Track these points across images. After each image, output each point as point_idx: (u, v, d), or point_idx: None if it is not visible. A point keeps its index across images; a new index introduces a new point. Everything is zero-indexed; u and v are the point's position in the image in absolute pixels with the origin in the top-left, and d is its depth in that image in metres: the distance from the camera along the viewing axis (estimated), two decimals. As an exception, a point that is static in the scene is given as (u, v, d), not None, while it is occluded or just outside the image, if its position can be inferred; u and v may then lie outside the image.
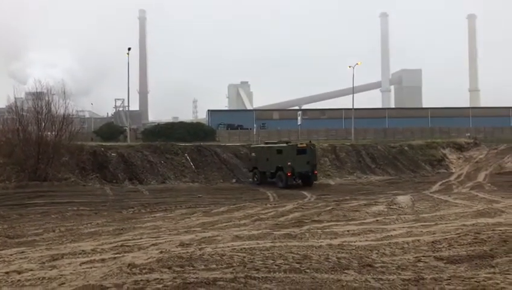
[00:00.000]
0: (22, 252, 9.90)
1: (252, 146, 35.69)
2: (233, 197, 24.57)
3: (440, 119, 75.93)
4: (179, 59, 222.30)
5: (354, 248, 10.36)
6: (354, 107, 59.35)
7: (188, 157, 34.93)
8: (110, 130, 57.84)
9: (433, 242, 10.70)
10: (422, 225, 13.05)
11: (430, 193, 25.21)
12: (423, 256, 9.38)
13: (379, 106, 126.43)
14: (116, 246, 10.40)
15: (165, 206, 19.72)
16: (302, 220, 14.42)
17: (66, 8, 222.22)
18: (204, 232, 12.43)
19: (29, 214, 17.41)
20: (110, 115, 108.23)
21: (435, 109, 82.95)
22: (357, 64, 57.18)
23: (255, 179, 31.95)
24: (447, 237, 11.08)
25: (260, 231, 12.26)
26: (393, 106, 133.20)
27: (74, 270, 8.17)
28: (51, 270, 8.22)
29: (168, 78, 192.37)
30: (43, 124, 30.29)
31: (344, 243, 10.81)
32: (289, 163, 29.28)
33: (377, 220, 14.05)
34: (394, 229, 12.46)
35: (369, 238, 11.57)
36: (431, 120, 78.36)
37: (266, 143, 34.11)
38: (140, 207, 19.70)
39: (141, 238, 11.42)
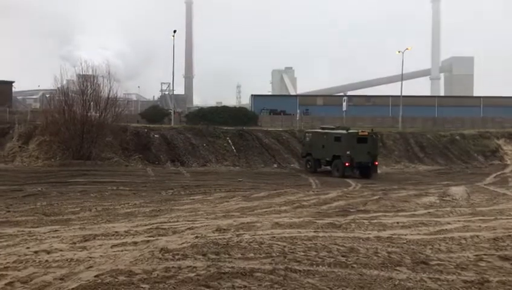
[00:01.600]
0: (56, 230, 9.62)
1: (306, 131, 33.40)
2: (274, 182, 23.91)
3: (493, 108, 71.91)
4: (224, 44, 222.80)
5: (405, 241, 9.46)
6: (403, 94, 57.10)
7: (229, 141, 34.54)
8: (155, 112, 58.31)
9: (494, 239, 9.65)
10: (480, 219, 11.93)
11: (485, 185, 23.67)
12: (485, 255, 8.39)
13: (428, 94, 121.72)
14: (150, 228, 9.95)
15: (205, 189, 19.29)
16: (347, 209, 13.56)
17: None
18: (242, 217, 11.82)
19: (69, 192, 17.40)
20: (156, 98, 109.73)
21: (488, 98, 78.60)
22: (406, 49, 55.10)
23: (308, 166, 29.98)
24: (510, 233, 9.99)
25: (302, 219, 11.52)
26: (440, 95, 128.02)
27: (104, 253, 7.74)
28: (80, 251, 7.83)
29: (213, 63, 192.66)
30: (88, 104, 30.63)
31: (394, 236, 9.92)
32: (348, 152, 27.01)
33: (429, 213, 13.01)
34: (449, 223, 11.43)
35: (422, 231, 10.62)
36: (483, 109, 74.50)
37: (323, 128, 31.39)
38: (179, 189, 19.36)
39: (177, 221, 10.94)
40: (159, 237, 9.03)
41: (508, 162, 35.41)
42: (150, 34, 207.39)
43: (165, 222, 10.84)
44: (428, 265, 7.58)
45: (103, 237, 9.03)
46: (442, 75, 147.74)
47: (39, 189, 18.08)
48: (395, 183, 23.68)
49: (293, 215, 12.46)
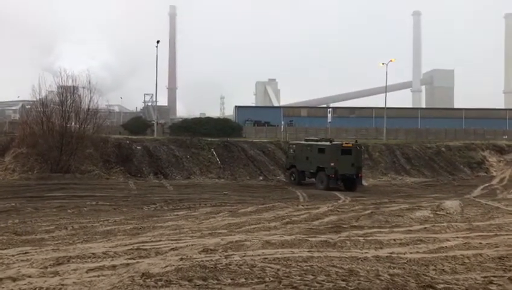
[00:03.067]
0: (26, 252, 8.74)
1: (290, 142, 32.92)
2: (260, 195, 23.20)
3: (474, 120, 72.64)
4: (208, 56, 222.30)
5: (405, 261, 8.84)
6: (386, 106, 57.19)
7: (214, 153, 33.78)
8: (137, 124, 57.26)
9: (499, 258, 9.09)
10: (479, 236, 11.40)
11: (474, 197, 23.33)
12: (493, 276, 7.80)
13: (409, 106, 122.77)
14: (131, 249, 9.15)
15: (189, 203, 18.45)
16: (340, 225, 12.92)
17: (94, 3, 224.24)
18: (230, 235, 11.08)
19: (45, 208, 16.40)
20: (138, 109, 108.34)
21: (470, 110, 79.46)
22: (390, 61, 55.17)
23: (292, 179, 29.49)
24: (514, 252, 9.46)
25: (293, 237, 10.83)
26: (424, 107, 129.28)
27: (78, 279, 6.93)
28: (52, 277, 7.01)
29: (196, 75, 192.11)
30: (68, 115, 29.63)
31: (393, 255, 9.30)
32: (332, 164, 26.65)
33: (425, 228, 12.44)
34: (448, 240, 10.86)
35: (421, 249, 10.02)
36: (465, 121, 75.20)
37: (307, 140, 31.09)
38: (162, 203, 18.49)
39: (160, 241, 10.14)
40: (140, 260, 8.25)
41: (494, 173, 35.32)
42: (132, 46, 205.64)
43: (146, 242, 10.04)
44: (435, 289, 6.97)
45: (78, 260, 8.20)
46: (423, 88, 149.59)
47: (13, 204, 17.02)
48: (384, 196, 23.17)
49: (283, 232, 11.76)
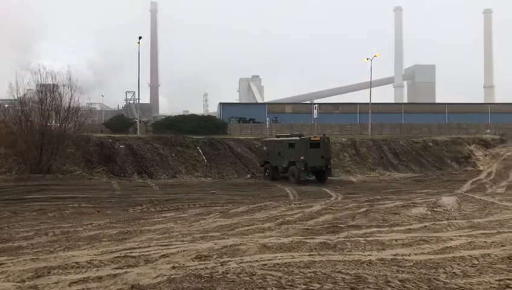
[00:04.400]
0: (2, 264, 7.97)
1: (263, 140, 33.57)
2: (249, 194, 22.57)
3: (457, 115, 73.34)
4: (189, 53, 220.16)
5: (412, 264, 8.33)
6: (368, 102, 57.07)
7: (200, 151, 33.03)
8: (120, 122, 56.20)
9: (509, 258, 8.64)
10: (482, 234, 10.97)
11: (464, 192, 23.06)
12: (508, 279, 7.32)
13: (391, 101, 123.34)
14: (117, 256, 8.45)
15: (177, 204, 17.69)
16: (337, 224, 12.38)
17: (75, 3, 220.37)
18: (224, 238, 10.45)
19: (25, 212, 15.50)
20: (120, 107, 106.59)
21: (452, 105, 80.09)
22: (375, 56, 54.98)
23: (267, 174, 30.12)
24: (524, 250, 9.02)
25: (290, 239, 10.25)
26: (406, 102, 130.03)
27: (60, 294, 6.24)
28: (30, 293, 6.30)
29: (178, 72, 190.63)
30: (48, 114, 28.54)
31: (398, 257, 8.78)
32: (302, 157, 27.60)
33: (425, 227, 11.98)
34: (451, 239, 10.40)
35: (425, 250, 9.53)
36: (448, 116, 75.75)
37: (278, 136, 31.76)
38: (149, 205, 17.71)
39: (149, 247, 9.45)
40: (129, 269, 7.58)
41: (481, 167, 35.22)
42: (113, 43, 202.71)
43: (134, 248, 9.33)
44: (451, 296, 6.47)
45: (60, 271, 7.48)
46: (405, 83, 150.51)
47: (-11, 208, 16.10)
48: (375, 192, 22.72)
49: (279, 233, 11.18)
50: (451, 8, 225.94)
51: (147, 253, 8.81)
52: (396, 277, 7.33)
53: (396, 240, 10.31)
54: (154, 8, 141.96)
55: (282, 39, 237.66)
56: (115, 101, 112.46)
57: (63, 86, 30.76)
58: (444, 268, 8.02)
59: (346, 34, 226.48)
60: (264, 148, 31.12)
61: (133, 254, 8.66)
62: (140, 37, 44.73)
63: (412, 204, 16.10)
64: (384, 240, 10.31)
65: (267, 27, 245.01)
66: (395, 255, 9.03)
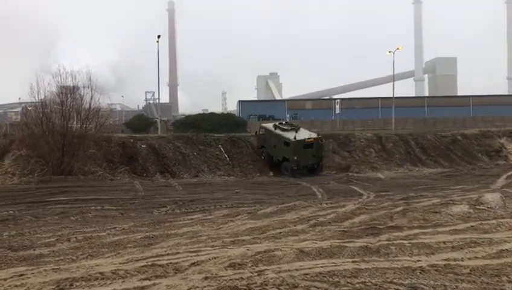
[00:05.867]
0: (21, 274, 7.39)
1: (261, 125, 34.25)
2: (274, 193, 21.81)
3: (482, 107, 71.09)
4: (207, 52, 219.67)
5: (469, 270, 7.49)
6: (390, 96, 55.68)
7: (222, 149, 32.36)
8: (140, 121, 56.01)
9: None
10: (539, 235, 10.03)
11: (501, 187, 21.91)
12: None
13: (412, 95, 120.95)
14: (144, 265, 7.80)
15: (202, 205, 17.03)
16: (375, 225, 11.55)
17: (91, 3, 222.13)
18: (256, 243, 9.73)
19: (46, 215, 15.02)
20: (140, 107, 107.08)
21: (477, 97, 77.72)
22: (397, 49, 53.69)
23: (263, 157, 31.72)
24: None
25: (328, 243, 9.48)
26: (428, 95, 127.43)
27: (84, 311, 5.59)
28: (51, 310, 5.67)
29: (196, 71, 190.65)
30: (68, 115, 28.26)
31: (451, 263, 7.95)
32: (295, 157, 29.01)
33: (473, 227, 11.07)
34: (505, 241, 9.52)
35: (479, 254, 8.66)
36: (472, 109, 73.56)
37: (275, 126, 32.00)
38: (173, 206, 17.10)
39: (177, 253, 8.79)
40: (157, 280, 6.93)
41: (513, 161, 33.84)
42: (131, 44, 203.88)
43: (162, 255, 8.68)
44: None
45: (83, 283, 6.88)
46: (426, 76, 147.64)
47: (11, 212, 15.62)
48: (407, 189, 21.70)
49: (314, 236, 10.41)
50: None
51: (175, 261, 8.15)
52: (457, 287, 6.53)
53: (444, 242, 9.46)
54: (172, 8, 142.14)
55: (299, 36, 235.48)
56: (134, 101, 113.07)
57: (83, 87, 30.52)
58: (507, 276, 7.18)
59: (364, 28, 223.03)
60: (261, 132, 32.34)
61: (160, 262, 8.01)
62: (159, 36, 44.50)
63: (450, 201, 15.13)
64: (431, 243, 9.47)
65: (285, 23, 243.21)
66: (446, 260, 8.20)
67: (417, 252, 8.76)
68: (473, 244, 9.25)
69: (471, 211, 13.34)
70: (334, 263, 7.83)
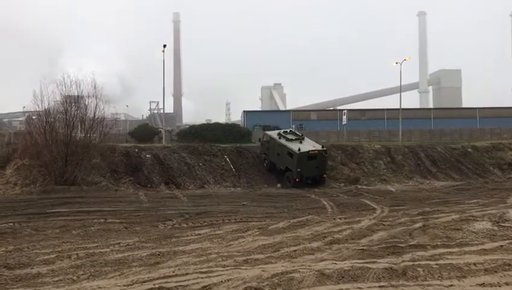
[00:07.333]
0: (16, 298, 6.71)
1: (265, 132, 34.05)
2: (283, 205, 21.11)
3: (488, 119, 70.27)
4: (210, 63, 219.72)
5: (510, 298, 6.78)
6: (395, 107, 55.01)
7: (227, 160, 31.79)
8: (144, 131, 55.43)
9: None
10: None
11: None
12: None
13: (417, 107, 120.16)
14: (151, 288, 7.12)
15: (210, 218, 16.32)
16: (395, 244, 10.82)
17: (94, 14, 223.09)
18: (271, 262, 9.03)
19: (47, 228, 14.35)
20: (145, 117, 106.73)
21: (483, 109, 76.91)
22: (404, 60, 53.20)
23: (265, 164, 31.71)
24: None
25: (349, 263, 8.77)
26: (433, 107, 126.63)
27: None
28: None
29: (200, 82, 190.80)
30: (72, 123, 27.71)
31: (487, 289, 7.23)
32: (298, 169, 28.89)
33: (502, 246, 10.33)
34: (542, 263, 8.77)
35: (516, 278, 7.94)
36: (479, 121, 72.71)
37: (280, 135, 31.45)
38: (180, 219, 16.40)
39: (187, 274, 8.09)
40: (166, 307, 6.23)
41: (526, 174, 33.05)
42: (135, 54, 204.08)
43: (169, 276, 7.98)
44: None
45: (84, 310, 6.19)
46: (430, 88, 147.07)
47: (10, 225, 14.98)
48: (420, 203, 20.98)
49: (332, 255, 9.71)
50: (476, 11, 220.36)
51: (184, 283, 7.47)
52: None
53: (475, 264, 8.74)
54: (177, 19, 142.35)
55: (303, 47, 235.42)
56: (139, 111, 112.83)
57: (88, 96, 30.00)
58: (554, 306, 6.46)
59: (368, 39, 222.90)
60: (264, 139, 32.15)
61: (169, 285, 7.33)
62: (165, 45, 44.02)
63: (471, 217, 14.40)
64: (460, 264, 8.75)
65: (287, 35, 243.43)
66: (481, 285, 7.50)
67: (447, 275, 8.05)
68: (507, 267, 8.53)
69: (495, 228, 12.62)
70: (360, 288, 7.13)
